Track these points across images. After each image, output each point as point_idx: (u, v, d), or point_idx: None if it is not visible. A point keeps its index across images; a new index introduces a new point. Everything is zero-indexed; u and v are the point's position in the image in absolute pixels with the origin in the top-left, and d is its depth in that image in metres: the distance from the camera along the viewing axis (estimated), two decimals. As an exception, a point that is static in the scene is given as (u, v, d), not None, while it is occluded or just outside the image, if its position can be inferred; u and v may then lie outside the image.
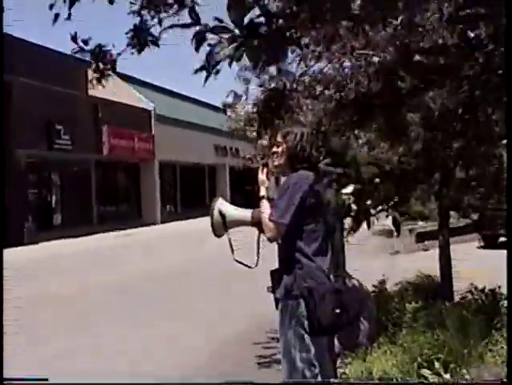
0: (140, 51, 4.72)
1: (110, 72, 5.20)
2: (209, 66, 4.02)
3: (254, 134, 10.04)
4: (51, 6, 4.31)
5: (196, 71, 4.26)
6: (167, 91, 46.03)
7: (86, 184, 33.36)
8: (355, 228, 7.76)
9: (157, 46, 4.70)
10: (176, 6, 4.46)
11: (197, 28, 4.04)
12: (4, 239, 18.51)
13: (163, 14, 4.60)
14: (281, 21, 4.01)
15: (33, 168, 29.13)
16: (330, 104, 8.00)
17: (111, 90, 34.78)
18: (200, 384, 7.14)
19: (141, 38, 4.63)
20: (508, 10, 4.18)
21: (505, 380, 4.56)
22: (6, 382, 5.19)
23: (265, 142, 10.39)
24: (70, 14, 4.43)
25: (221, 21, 3.95)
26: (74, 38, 4.57)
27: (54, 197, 31.65)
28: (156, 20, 4.65)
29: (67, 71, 29.25)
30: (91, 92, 33.55)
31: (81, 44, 4.65)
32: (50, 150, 28.53)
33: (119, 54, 4.98)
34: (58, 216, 31.33)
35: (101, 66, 5.04)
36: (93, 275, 15.60)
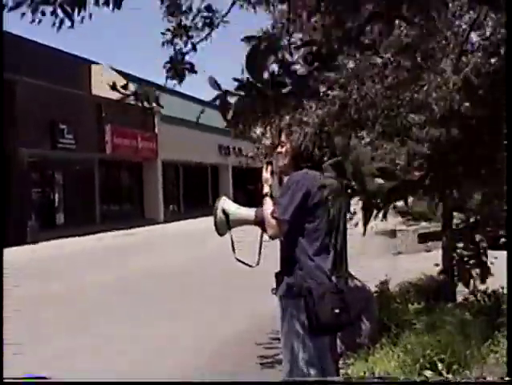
0: (180, 82, 4.79)
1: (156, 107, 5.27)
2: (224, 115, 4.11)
3: (258, 133, 10.06)
4: (53, 13, 4.32)
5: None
6: (170, 90, 45.95)
7: (89, 184, 33.37)
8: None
9: (195, 72, 4.75)
10: (206, 29, 4.53)
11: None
12: (4, 239, 18.56)
13: (195, 40, 4.67)
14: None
15: (36, 167, 29.15)
16: (333, 107, 8.03)
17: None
18: (200, 384, 7.14)
19: (179, 70, 4.68)
20: (508, 10, 4.18)
21: (507, 378, 4.56)
22: (6, 382, 5.21)
23: (268, 141, 10.40)
24: (73, 22, 4.45)
25: (238, 80, 4.01)
26: (113, 86, 4.60)
27: (57, 196, 31.69)
28: (189, 46, 4.71)
29: (70, 70, 29.36)
30: (94, 91, 33.69)
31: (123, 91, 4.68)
32: (54, 149, 28.54)
33: (160, 88, 5.03)
34: (61, 215, 31.34)
35: (146, 104, 5.09)
36: (94, 275, 15.58)
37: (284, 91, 4.06)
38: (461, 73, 7.15)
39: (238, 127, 8.94)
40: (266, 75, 4.17)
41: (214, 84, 4.17)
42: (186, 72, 4.78)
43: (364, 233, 8.82)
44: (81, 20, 3.95)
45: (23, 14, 3.91)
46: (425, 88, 7.35)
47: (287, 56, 4.32)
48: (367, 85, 7.96)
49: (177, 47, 4.83)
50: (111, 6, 3.87)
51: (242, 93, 4.07)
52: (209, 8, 4.72)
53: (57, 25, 4.15)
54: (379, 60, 7.81)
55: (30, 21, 3.92)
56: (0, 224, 20.70)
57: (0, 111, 13.23)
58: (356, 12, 4.16)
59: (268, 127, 9.34)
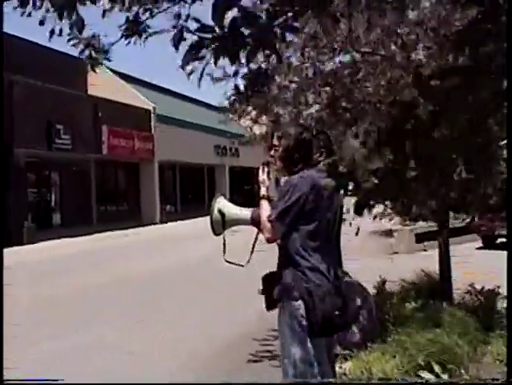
0: (139, 37, 4.74)
1: (103, 60, 5.23)
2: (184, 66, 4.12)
3: (248, 123, 10.01)
4: (41, 22, 4.32)
5: (181, 67, 4.34)
6: (167, 90, 46.08)
7: (85, 184, 33.36)
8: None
9: (149, 35, 4.72)
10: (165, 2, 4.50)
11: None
12: (4, 239, 18.55)
13: (154, 10, 4.63)
14: (262, 19, 4.05)
15: (32, 167, 29.13)
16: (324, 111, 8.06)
17: (112, 89, 34.94)
18: (199, 384, 7.15)
19: (135, 28, 4.65)
20: (508, 11, 4.20)
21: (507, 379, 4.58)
22: (6, 383, 5.20)
23: (258, 131, 10.35)
24: (61, 30, 4.46)
25: (199, 21, 4.00)
26: (71, 27, 4.57)
27: (53, 197, 31.69)
28: (147, 14, 4.68)
29: (67, 71, 29.28)
30: (90, 92, 33.68)
31: (76, 33, 4.65)
32: (50, 149, 28.52)
33: (112, 44, 5.01)
34: (57, 215, 31.35)
35: (94, 54, 5.06)
36: (87, 276, 15.60)
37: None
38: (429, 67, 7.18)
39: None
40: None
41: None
42: (143, 33, 4.75)
43: (357, 233, 8.86)
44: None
45: (23, 13, 3.92)
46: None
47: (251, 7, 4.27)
48: (361, 82, 7.98)
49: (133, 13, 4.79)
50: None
51: (201, 35, 4.04)
52: None
53: (56, 31, 4.17)
54: (356, 55, 7.82)
55: (27, 14, 3.92)
56: (0, 225, 20.70)
57: (0, 110, 13.21)
58: None
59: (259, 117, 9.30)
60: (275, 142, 4.59)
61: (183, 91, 48.06)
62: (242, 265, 4.69)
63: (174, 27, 4.11)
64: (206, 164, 47.22)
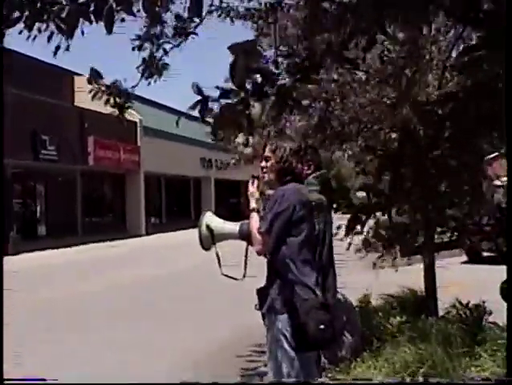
0: (159, 77, 4.83)
1: (129, 104, 5.30)
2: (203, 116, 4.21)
3: (240, 141, 10.06)
4: (49, 38, 4.34)
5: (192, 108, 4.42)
6: (153, 103, 46.04)
7: (71, 195, 33.25)
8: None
9: (166, 69, 4.79)
10: (178, 38, 4.57)
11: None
12: (3, 241, 18.49)
13: (167, 46, 4.70)
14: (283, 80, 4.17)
15: (18, 178, 29.01)
16: (313, 120, 8.09)
17: (98, 101, 34.89)
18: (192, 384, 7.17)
19: (156, 69, 4.73)
20: (508, 11, 4.23)
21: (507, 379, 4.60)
22: (6, 383, 5.19)
23: (248, 150, 10.38)
24: (68, 46, 4.49)
25: (221, 88, 4.08)
26: (89, 81, 4.63)
27: (38, 208, 31.54)
28: (161, 51, 4.75)
29: (53, 81, 29.26)
30: (77, 103, 33.61)
31: (96, 83, 4.71)
32: (36, 160, 28.43)
33: (133, 86, 5.06)
34: (42, 226, 31.19)
35: (118, 100, 5.11)
36: (75, 285, 15.59)
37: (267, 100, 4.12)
38: (443, 89, 7.27)
39: (220, 134, 9.02)
40: (248, 86, 4.23)
41: (197, 90, 4.22)
42: (162, 72, 4.82)
43: (348, 248, 8.91)
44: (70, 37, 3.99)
45: (21, 32, 3.95)
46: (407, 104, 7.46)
47: (271, 67, 4.38)
48: (350, 99, 8.03)
49: (147, 52, 4.86)
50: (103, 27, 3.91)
51: (224, 101, 4.13)
52: (178, 17, 4.75)
53: (54, 45, 4.20)
54: (361, 74, 7.88)
55: (26, 37, 3.96)
56: (0, 228, 20.59)
57: (0, 116, 13.13)
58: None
59: (249, 137, 9.36)
60: (268, 153, 4.61)
61: (169, 103, 48.02)
62: (238, 279, 4.71)
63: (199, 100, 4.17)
64: (192, 177, 47.18)
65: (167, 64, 4.86)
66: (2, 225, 21.70)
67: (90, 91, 4.87)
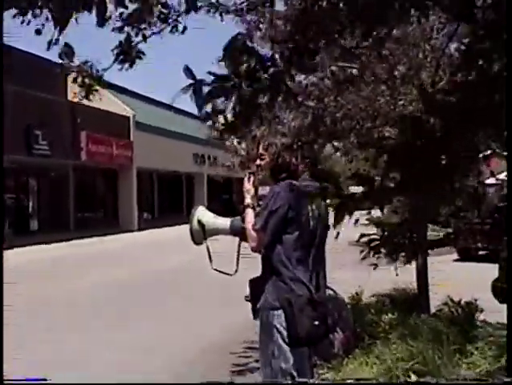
0: (131, 66, 4.74)
1: (97, 87, 5.21)
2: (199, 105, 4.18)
3: (234, 143, 10.09)
4: (38, 32, 4.31)
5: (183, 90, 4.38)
6: (146, 98, 45.95)
7: (63, 190, 33.21)
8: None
9: (141, 59, 4.73)
10: (159, 24, 4.52)
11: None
12: (2, 240, 18.43)
13: (147, 32, 4.63)
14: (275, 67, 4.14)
15: (10, 173, 28.94)
16: (307, 119, 8.08)
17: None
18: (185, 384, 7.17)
19: (128, 54, 4.65)
20: (508, 11, 4.22)
21: (507, 380, 4.61)
22: (6, 383, 5.17)
23: (243, 151, 10.39)
24: (58, 40, 4.45)
25: (213, 74, 4.06)
26: (61, 56, 4.58)
27: (31, 203, 31.50)
28: (140, 37, 4.68)
29: (45, 76, 29.06)
30: (70, 97, 33.49)
31: (68, 60, 4.65)
32: (29, 155, 28.36)
33: (104, 69, 4.99)
34: (34, 221, 31.17)
35: (87, 81, 5.04)
36: (67, 281, 15.57)
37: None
38: (437, 86, 7.26)
39: (212, 120, 9.01)
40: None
41: (188, 73, 4.20)
42: (136, 59, 4.76)
43: (337, 237, 8.91)
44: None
45: (14, 16, 3.92)
46: (401, 102, 7.45)
47: (265, 52, 4.34)
48: (344, 96, 8.02)
49: (125, 35, 4.78)
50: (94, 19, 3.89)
51: (216, 84, 4.10)
52: (164, 4, 4.70)
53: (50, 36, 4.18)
54: (355, 71, 7.88)
55: (21, 22, 3.93)
56: (0, 225, 20.56)
57: (0, 113, 13.10)
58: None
59: (244, 138, 9.36)
60: (261, 151, 4.61)
61: (162, 98, 47.92)
62: (230, 274, 4.70)
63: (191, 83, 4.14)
64: (185, 172, 47.15)
65: (142, 53, 4.78)
66: (2, 225, 21.64)
67: (61, 64, 4.79)
